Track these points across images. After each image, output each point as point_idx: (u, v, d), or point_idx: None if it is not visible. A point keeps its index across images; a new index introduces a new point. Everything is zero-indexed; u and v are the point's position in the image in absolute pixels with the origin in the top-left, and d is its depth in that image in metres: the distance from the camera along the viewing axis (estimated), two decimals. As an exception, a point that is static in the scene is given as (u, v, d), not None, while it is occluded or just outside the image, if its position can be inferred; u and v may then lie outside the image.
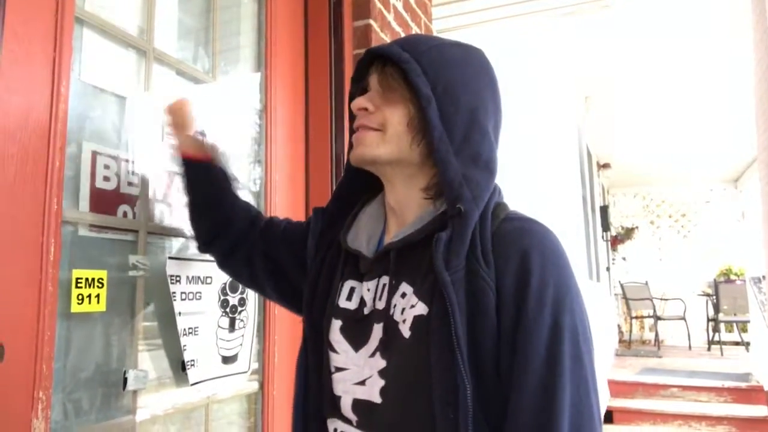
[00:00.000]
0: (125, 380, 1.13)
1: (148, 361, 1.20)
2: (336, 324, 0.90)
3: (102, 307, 1.10)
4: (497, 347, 0.75)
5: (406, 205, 0.89)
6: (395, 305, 0.83)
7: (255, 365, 1.50)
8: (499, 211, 0.84)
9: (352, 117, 0.91)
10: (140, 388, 1.16)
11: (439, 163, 0.81)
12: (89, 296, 1.07)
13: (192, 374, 1.25)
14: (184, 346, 1.24)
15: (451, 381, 0.73)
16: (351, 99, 0.93)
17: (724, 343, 7.94)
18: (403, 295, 0.82)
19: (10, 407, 0.89)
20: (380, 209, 0.96)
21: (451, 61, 0.86)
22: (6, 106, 0.92)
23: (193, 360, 1.26)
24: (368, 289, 0.88)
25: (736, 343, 8.28)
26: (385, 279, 0.86)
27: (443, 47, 0.87)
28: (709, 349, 8.01)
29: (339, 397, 0.87)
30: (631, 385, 5.69)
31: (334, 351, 0.89)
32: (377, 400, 0.82)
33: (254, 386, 1.52)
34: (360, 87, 0.92)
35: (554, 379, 0.72)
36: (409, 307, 0.80)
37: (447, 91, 0.82)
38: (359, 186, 0.98)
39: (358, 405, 0.84)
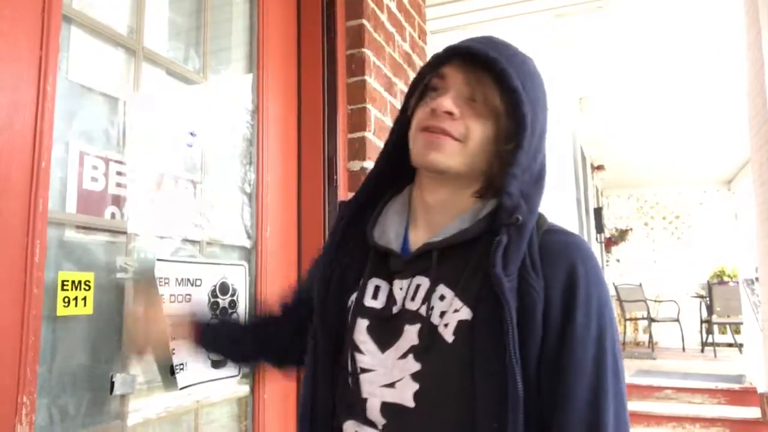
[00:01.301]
0: (112, 384, 1.11)
1: (136, 365, 1.18)
2: (362, 323, 0.85)
3: (89, 310, 1.08)
4: (539, 358, 0.75)
5: (447, 206, 0.85)
6: (432, 308, 0.80)
7: (246, 376, 1.48)
8: (541, 222, 0.84)
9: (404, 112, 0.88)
10: (128, 392, 1.14)
11: (509, 178, 0.79)
12: (76, 299, 1.05)
13: (181, 378, 1.23)
14: (173, 349, 1.22)
15: (498, 389, 0.72)
16: (413, 87, 0.88)
17: (718, 344, 7.94)
18: (442, 298, 0.80)
19: (-8, 412, 0.87)
20: (405, 204, 0.92)
21: (535, 75, 0.84)
22: (-10, 105, 0.91)
23: (182, 364, 1.24)
24: (401, 288, 0.84)
25: (730, 345, 8.29)
26: (419, 279, 0.83)
27: (524, 56, 0.85)
28: (702, 351, 8.02)
29: (365, 399, 0.82)
30: (626, 387, 5.70)
31: (360, 351, 0.84)
32: (410, 404, 0.78)
33: (245, 390, 1.50)
34: (430, 77, 0.85)
35: (600, 393, 0.74)
36: (452, 311, 0.78)
37: (534, 107, 0.81)
38: (384, 179, 0.94)
39: (388, 408, 0.80)
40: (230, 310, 1.40)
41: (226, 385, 1.38)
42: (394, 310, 0.83)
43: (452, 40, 0.89)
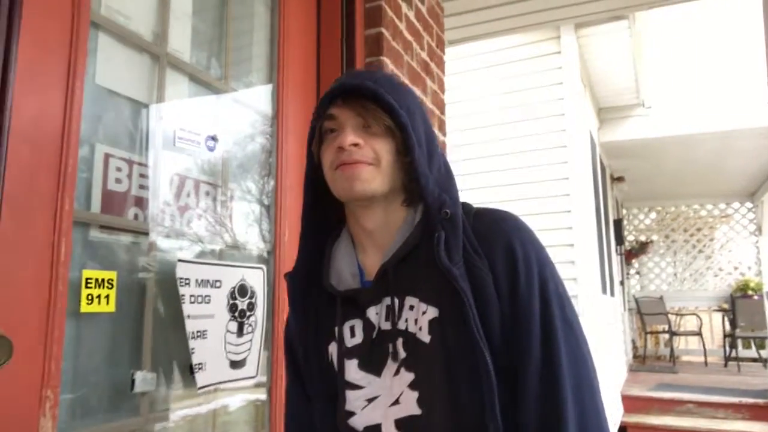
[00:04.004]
0: (133, 382, 1.13)
1: (156, 364, 1.20)
2: (351, 364, 0.91)
3: (111, 307, 1.10)
4: (502, 326, 0.83)
5: (385, 225, 0.92)
6: (406, 319, 0.87)
7: (263, 378, 1.49)
8: (468, 209, 0.92)
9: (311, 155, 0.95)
10: (148, 390, 1.16)
11: (422, 179, 0.87)
12: (99, 297, 1.07)
13: (200, 378, 1.25)
14: (193, 349, 1.24)
15: (472, 368, 0.80)
16: (311, 135, 0.95)
17: (742, 359, 7.79)
18: (411, 308, 0.86)
19: (18, 405, 0.90)
20: (348, 242, 0.97)
21: (401, 87, 0.94)
22: (21, 107, 0.94)
23: (201, 363, 1.26)
24: (376, 313, 0.90)
25: (754, 360, 8.13)
26: (387, 300, 0.89)
27: (388, 75, 0.99)
28: (726, 365, 7.86)
29: (379, 425, 0.87)
30: (646, 400, 5.60)
31: (357, 388, 0.90)
32: (417, 411, 0.84)
33: (263, 394, 1.51)
34: (319, 123, 0.93)
35: (552, 343, 0.82)
36: (421, 315, 0.85)
37: (410, 113, 0.90)
38: (316, 228, 1.00)
39: (401, 423, 0.85)
40: (248, 312, 1.42)
41: (244, 386, 1.40)
42: (374, 335, 0.89)
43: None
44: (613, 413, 5.04)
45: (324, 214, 0.98)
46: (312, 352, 0.96)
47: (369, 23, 1.91)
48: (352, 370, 0.90)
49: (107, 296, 1.09)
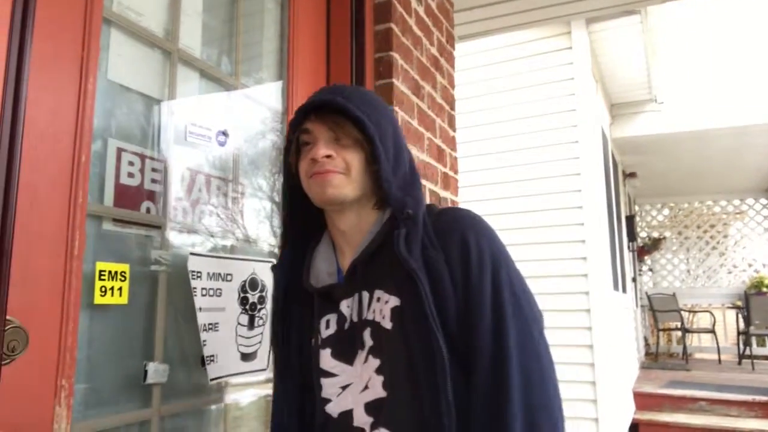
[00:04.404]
0: (145, 373, 1.15)
1: (168, 355, 1.22)
2: (326, 353, 1.00)
3: (124, 299, 1.12)
4: (458, 314, 0.90)
5: (357, 226, 1.02)
6: (374, 310, 0.95)
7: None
8: (432, 209, 1.01)
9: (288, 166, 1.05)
10: (160, 381, 1.18)
11: (385, 184, 0.96)
12: (112, 289, 1.09)
13: (211, 370, 1.27)
14: (204, 341, 1.25)
15: (428, 345, 0.87)
16: (287, 148, 1.04)
17: (756, 357, 7.71)
18: (378, 300, 0.95)
19: (33, 394, 0.91)
20: (328, 244, 1.07)
21: (373, 101, 1.03)
22: (35, 102, 0.95)
23: (213, 356, 1.27)
24: (348, 306, 0.99)
25: (768, 358, 8.06)
26: (358, 294, 0.98)
27: (361, 90, 1.08)
28: (739, 363, 7.79)
29: (351, 410, 0.95)
30: (658, 397, 5.57)
31: (331, 376, 0.99)
32: (383, 394, 0.92)
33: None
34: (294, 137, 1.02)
35: (500, 320, 0.89)
36: (384, 304, 0.94)
37: (379, 125, 0.98)
38: (299, 233, 1.10)
39: (370, 406, 0.93)
40: (259, 306, 1.43)
41: (255, 378, 1.41)
42: (346, 326, 0.98)
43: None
44: (625, 410, 5.02)
45: (306, 221, 1.08)
46: (294, 349, 1.06)
47: (378, 19, 1.92)
48: (326, 358, 0.99)
49: (120, 288, 1.11)
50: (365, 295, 0.97)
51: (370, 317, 0.95)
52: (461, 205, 2.43)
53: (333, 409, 0.97)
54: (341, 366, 0.98)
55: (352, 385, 0.96)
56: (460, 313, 0.90)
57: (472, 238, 0.93)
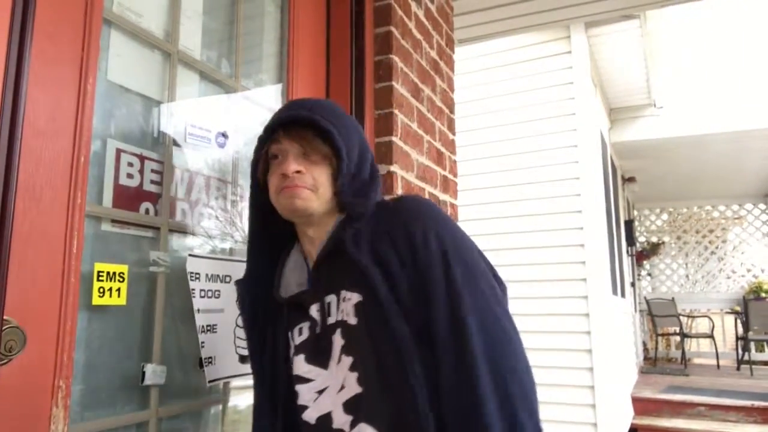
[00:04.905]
0: (143, 374, 1.15)
1: (166, 357, 1.21)
2: (299, 359, 1.00)
3: (122, 300, 1.12)
4: (411, 292, 0.91)
5: (323, 231, 1.03)
6: (342, 310, 0.96)
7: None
8: (384, 204, 1.04)
9: (261, 173, 1.06)
10: (158, 382, 1.17)
11: (342, 196, 1.00)
12: (110, 289, 1.09)
13: (209, 371, 1.26)
14: (202, 343, 1.25)
15: (390, 335, 0.89)
16: (256, 163, 1.07)
17: (754, 362, 7.70)
18: (344, 299, 0.96)
19: (30, 394, 0.91)
20: (299, 256, 1.09)
21: (340, 114, 1.05)
22: (34, 102, 0.95)
23: (211, 357, 1.27)
24: (317, 311, 1.00)
25: (767, 363, 8.04)
26: (325, 297, 0.99)
27: (328, 102, 1.10)
28: (738, 368, 7.78)
29: (330, 413, 0.94)
30: (657, 402, 5.56)
31: (307, 381, 0.99)
32: (359, 390, 0.92)
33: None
34: (264, 150, 1.04)
35: (453, 292, 0.89)
36: (349, 302, 0.95)
37: (346, 136, 1.01)
38: (270, 241, 1.12)
39: (348, 405, 0.93)
40: (257, 308, 1.43)
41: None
42: (318, 330, 0.99)
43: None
44: (624, 415, 5.01)
45: (275, 233, 1.10)
46: (267, 361, 1.07)
47: (378, 22, 1.92)
48: (300, 364, 1.00)
49: (119, 289, 1.11)
50: (333, 298, 0.98)
51: (339, 318, 0.96)
52: (461, 209, 2.44)
53: (311, 414, 0.97)
54: (316, 370, 0.98)
55: (329, 388, 0.96)
56: (413, 290, 0.91)
57: (413, 219, 0.95)
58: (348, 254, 0.95)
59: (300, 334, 1.01)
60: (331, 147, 0.99)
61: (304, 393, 0.98)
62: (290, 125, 1.00)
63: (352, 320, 0.94)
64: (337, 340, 0.96)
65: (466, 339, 0.85)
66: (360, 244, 0.95)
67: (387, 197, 1.09)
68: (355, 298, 0.94)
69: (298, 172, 0.98)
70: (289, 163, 0.98)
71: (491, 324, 0.88)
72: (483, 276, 0.94)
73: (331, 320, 0.98)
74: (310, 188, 0.98)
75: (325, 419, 0.94)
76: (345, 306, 0.95)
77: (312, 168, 0.99)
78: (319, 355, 0.98)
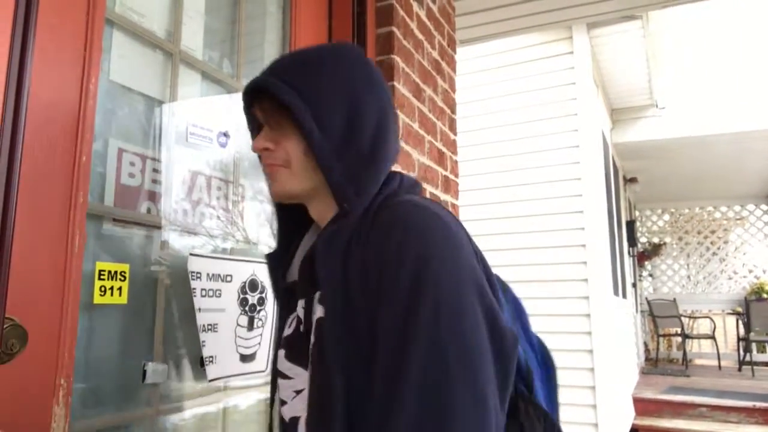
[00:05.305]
0: (144, 373, 1.15)
1: (167, 356, 1.22)
2: (281, 354, 0.89)
3: (123, 299, 1.12)
4: (373, 321, 0.72)
5: (325, 212, 0.88)
6: (314, 313, 0.82)
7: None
8: (379, 203, 0.81)
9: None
10: (159, 381, 1.18)
11: (323, 171, 0.80)
12: (111, 288, 1.09)
13: (210, 370, 1.27)
14: (203, 342, 1.25)
15: (322, 370, 0.74)
16: (253, 135, 0.92)
17: (756, 363, 7.70)
18: (314, 311, 0.82)
19: (32, 393, 0.91)
20: (312, 237, 0.95)
21: (314, 66, 0.84)
22: (37, 101, 0.96)
23: (212, 356, 1.28)
24: (302, 307, 0.85)
25: (768, 364, 8.05)
26: (311, 295, 0.84)
27: (303, 54, 0.88)
28: (740, 369, 7.78)
29: (299, 418, 0.84)
30: (658, 403, 5.56)
31: (286, 377, 0.87)
32: (304, 412, 0.80)
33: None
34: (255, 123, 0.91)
35: (406, 343, 0.68)
36: (315, 314, 0.80)
37: (319, 96, 0.81)
38: (295, 219, 0.97)
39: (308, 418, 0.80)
40: (258, 307, 1.43)
41: (254, 380, 1.41)
42: (301, 328, 0.85)
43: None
44: (625, 416, 5.01)
45: (294, 211, 0.96)
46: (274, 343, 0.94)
47: (380, 22, 1.92)
48: (281, 359, 0.89)
49: (120, 288, 1.11)
50: (317, 296, 0.81)
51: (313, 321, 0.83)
52: (461, 209, 2.44)
53: (286, 412, 0.86)
54: (295, 369, 0.86)
55: (304, 391, 0.83)
56: (378, 321, 0.72)
57: (394, 239, 0.73)
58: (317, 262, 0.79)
59: (289, 327, 0.89)
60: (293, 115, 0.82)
61: (284, 389, 0.88)
62: (256, 93, 0.86)
63: (312, 337, 0.80)
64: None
65: (394, 415, 0.66)
66: (332, 252, 0.77)
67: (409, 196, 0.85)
68: (318, 312, 0.79)
69: (266, 149, 0.85)
70: (257, 140, 0.85)
71: (432, 399, 0.66)
72: (454, 339, 0.68)
73: (314, 321, 0.83)
74: (284, 165, 0.84)
75: (294, 423, 0.84)
76: (314, 317, 0.81)
77: (283, 141, 0.83)
78: (300, 354, 0.85)
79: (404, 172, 0.99)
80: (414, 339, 0.68)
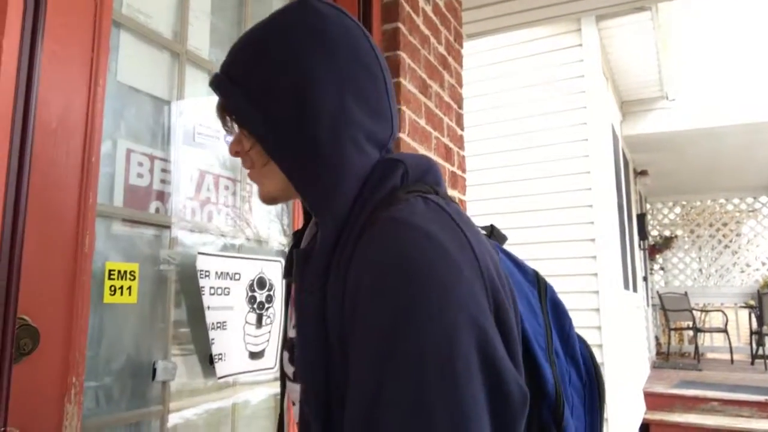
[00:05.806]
0: (154, 371, 1.17)
1: (177, 353, 1.23)
2: (285, 356, 0.81)
3: (133, 299, 1.13)
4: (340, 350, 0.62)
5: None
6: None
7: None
8: (383, 212, 0.63)
9: None
10: (169, 379, 1.19)
11: (286, 176, 0.71)
12: (121, 288, 1.10)
13: (220, 368, 1.28)
14: (213, 339, 1.27)
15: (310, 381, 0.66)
16: None
17: (769, 357, 7.66)
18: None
19: (44, 391, 0.93)
20: (314, 226, 0.83)
21: (260, 53, 0.72)
22: (46, 103, 0.97)
23: (221, 354, 1.29)
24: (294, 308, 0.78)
25: (781, 358, 8.00)
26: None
27: (253, 36, 0.75)
28: (752, 363, 7.73)
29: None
30: (669, 397, 5.54)
31: (291, 380, 0.81)
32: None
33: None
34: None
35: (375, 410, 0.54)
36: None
37: (267, 90, 0.70)
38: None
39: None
40: (267, 305, 1.44)
41: (263, 377, 1.42)
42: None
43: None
44: (636, 410, 5.00)
45: None
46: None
47: (386, 18, 1.92)
48: (285, 362, 0.81)
49: (129, 287, 1.12)
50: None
51: None
52: (469, 205, 2.44)
53: (296, 414, 0.78)
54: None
55: None
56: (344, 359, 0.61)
57: (366, 269, 0.59)
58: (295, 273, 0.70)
59: (292, 325, 0.80)
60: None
61: (292, 391, 0.80)
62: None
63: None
64: None
65: None
66: (311, 263, 0.66)
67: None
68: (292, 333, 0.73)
69: (236, 153, 0.78)
70: (230, 144, 0.79)
71: None
72: (419, 397, 0.53)
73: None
74: (251, 167, 0.77)
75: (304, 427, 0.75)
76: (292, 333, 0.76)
77: (247, 143, 0.75)
78: None
79: (413, 153, 0.88)
80: (384, 403, 0.54)
